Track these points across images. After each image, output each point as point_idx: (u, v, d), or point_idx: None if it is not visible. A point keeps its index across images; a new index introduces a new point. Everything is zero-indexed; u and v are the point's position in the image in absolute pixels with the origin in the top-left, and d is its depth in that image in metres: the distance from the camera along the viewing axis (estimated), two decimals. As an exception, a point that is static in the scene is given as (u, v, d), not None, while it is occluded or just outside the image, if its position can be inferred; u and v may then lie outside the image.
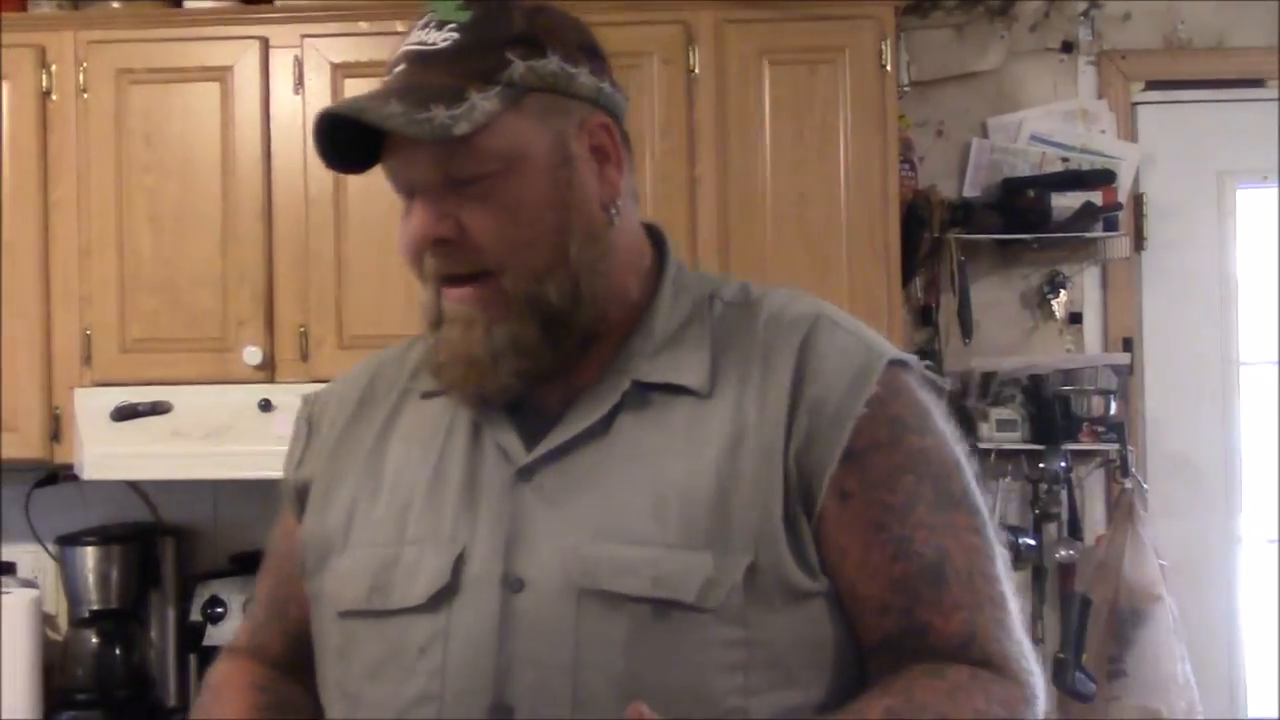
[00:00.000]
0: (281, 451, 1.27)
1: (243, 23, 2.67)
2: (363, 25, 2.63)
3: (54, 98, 2.67)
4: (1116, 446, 2.93)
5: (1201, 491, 3.05)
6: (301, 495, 1.21)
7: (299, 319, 2.64)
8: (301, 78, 2.63)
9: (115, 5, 2.71)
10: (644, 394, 1.10)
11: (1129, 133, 3.03)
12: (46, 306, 2.68)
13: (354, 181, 2.61)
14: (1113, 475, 2.99)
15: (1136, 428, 3.02)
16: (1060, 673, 2.84)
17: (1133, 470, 2.93)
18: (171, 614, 2.93)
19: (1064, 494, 2.92)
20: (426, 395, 1.17)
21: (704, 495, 1.05)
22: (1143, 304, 3.06)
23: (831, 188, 2.61)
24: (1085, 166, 2.96)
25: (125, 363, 2.66)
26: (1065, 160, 2.97)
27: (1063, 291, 3.00)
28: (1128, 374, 3.00)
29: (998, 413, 2.92)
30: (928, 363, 1.18)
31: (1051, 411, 2.90)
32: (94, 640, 2.82)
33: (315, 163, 2.67)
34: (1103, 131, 3.01)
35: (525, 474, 1.09)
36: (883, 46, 2.60)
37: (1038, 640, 2.92)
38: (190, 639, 2.88)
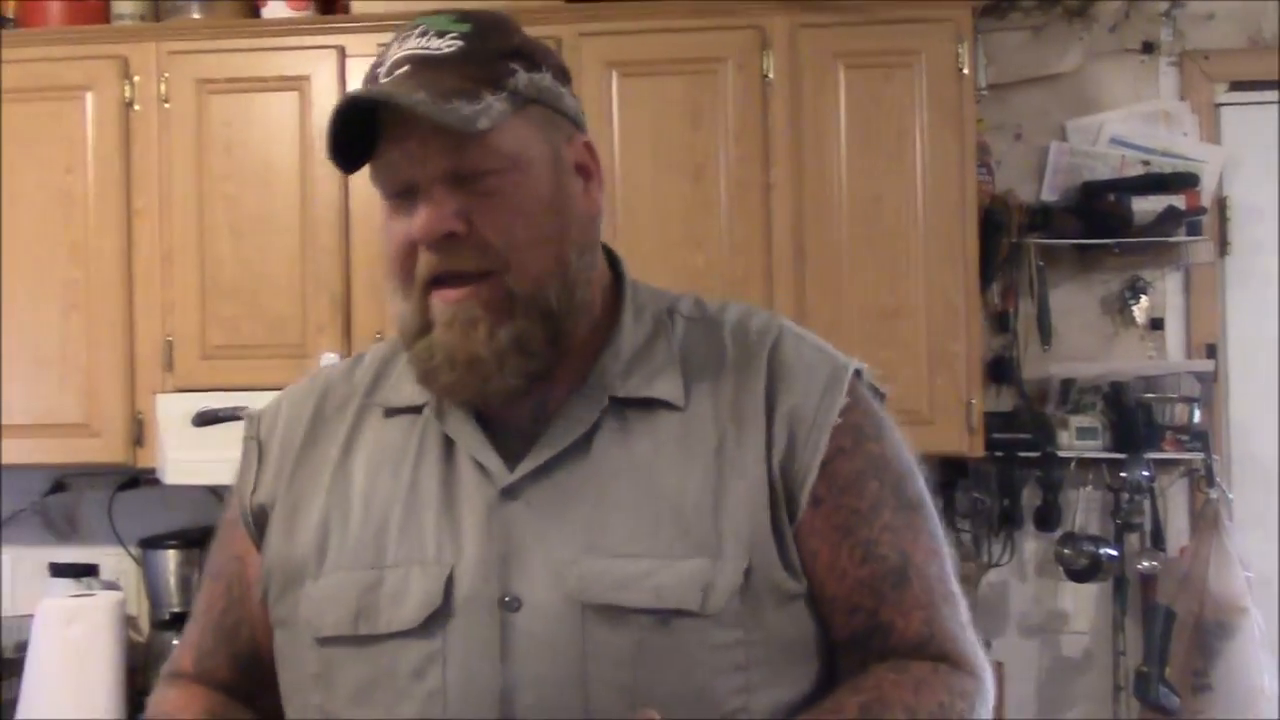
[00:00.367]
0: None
1: (320, 32, 2.70)
2: (438, 34, 2.65)
3: (136, 108, 2.72)
4: (1200, 455, 2.87)
5: (1288, 501, 2.98)
6: (259, 519, 1.18)
7: (376, 324, 2.66)
8: (378, 86, 2.65)
9: (196, 16, 2.75)
10: (621, 409, 1.12)
11: (1212, 135, 2.97)
12: (129, 313, 2.72)
13: (429, 189, 2.63)
14: (1196, 485, 2.93)
15: (1221, 436, 2.95)
16: (1143, 686, 2.79)
17: (1217, 479, 2.87)
18: (250, 616, 2.96)
19: (1146, 504, 2.86)
20: (391, 413, 1.17)
21: (694, 505, 1.08)
22: (1226, 309, 2.99)
23: (908, 192, 2.58)
24: (1167, 170, 2.90)
25: (205, 369, 2.70)
26: (1146, 163, 2.92)
27: (1144, 297, 2.94)
28: (1211, 381, 2.93)
29: (1077, 420, 2.88)
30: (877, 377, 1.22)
31: (1133, 419, 2.84)
32: (175, 642, 2.85)
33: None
34: (1185, 134, 2.95)
35: (510, 492, 1.09)
36: (959, 49, 2.57)
37: (1120, 653, 2.87)
38: (268, 641, 2.91)
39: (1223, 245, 2.97)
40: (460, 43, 1.09)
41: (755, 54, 2.59)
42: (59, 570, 3.02)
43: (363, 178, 2.72)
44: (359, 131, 1.08)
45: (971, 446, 2.60)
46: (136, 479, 3.05)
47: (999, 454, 2.84)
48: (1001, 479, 2.89)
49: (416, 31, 1.10)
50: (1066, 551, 2.84)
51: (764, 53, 2.59)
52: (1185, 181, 2.83)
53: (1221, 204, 2.97)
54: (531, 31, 1.15)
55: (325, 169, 2.66)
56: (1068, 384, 2.94)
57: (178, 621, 2.88)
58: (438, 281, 1.08)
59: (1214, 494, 2.86)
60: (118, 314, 2.72)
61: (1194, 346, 2.97)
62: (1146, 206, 2.81)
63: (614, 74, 2.59)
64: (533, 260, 1.09)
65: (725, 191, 2.58)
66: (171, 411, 2.65)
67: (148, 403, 2.70)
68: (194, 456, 2.64)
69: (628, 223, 2.54)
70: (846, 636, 1.11)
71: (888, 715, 1.05)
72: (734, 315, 1.19)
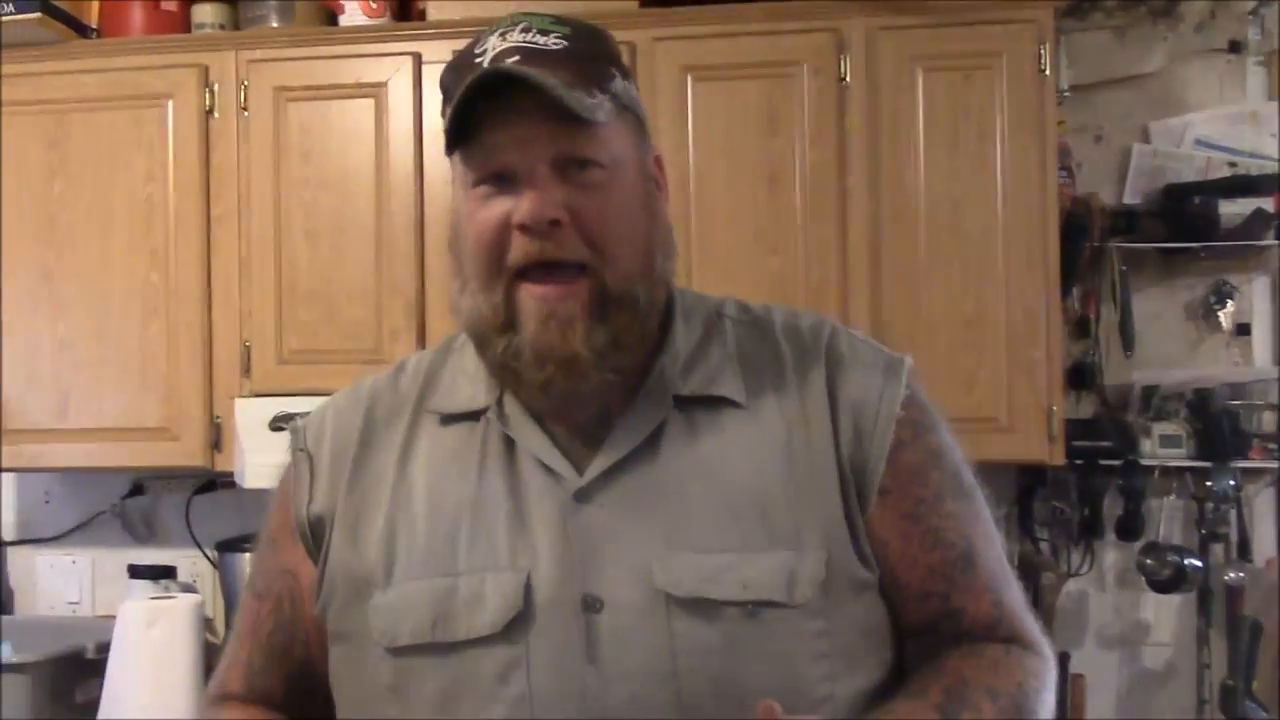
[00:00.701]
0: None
1: (396, 39, 2.71)
2: (513, 39, 2.65)
3: (216, 115, 2.74)
4: (1289, 464, 2.80)
5: (1381, 512, 2.90)
6: (316, 531, 1.18)
7: (450, 329, 2.64)
8: (453, 93, 2.66)
9: (274, 25, 2.77)
10: (685, 409, 1.13)
11: (1302, 136, 2.90)
12: (208, 318, 2.75)
13: (504, 194, 2.63)
14: (1284, 494, 2.86)
15: (1310, 444, 2.87)
16: (1229, 701, 2.73)
17: (1307, 488, 2.80)
18: (325, 619, 2.99)
19: (1232, 513, 2.79)
20: (448, 420, 1.17)
21: (770, 498, 1.10)
22: (1317, 315, 2.92)
23: (987, 197, 2.54)
24: (1254, 171, 2.83)
25: (283, 374, 2.72)
26: (1232, 165, 2.85)
27: (1230, 302, 2.88)
28: (1300, 388, 2.86)
29: (1161, 428, 2.82)
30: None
31: (1219, 427, 2.78)
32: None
33: (467, 176, 2.72)
34: (1272, 135, 2.88)
35: (583, 495, 1.10)
36: (1041, 50, 2.52)
37: (1204, 666, 2.81)
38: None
39: (1312, 249, 2.90)
40: (565, 42, 1.10)
41: (832, 57, 2.56)
42: (137, 572, 3.06)
43: (435, 183, 2.72)
44: (463, 112, 1.08)
45: (1052, 455, 2.55)
46: (213, 482, 3.09)
47: (1079, 462, 2.79)
48: (1082, 488, 2.84)
49: (519, 27, 1.11)
50: (1149, 562, 2.78)
51: (841, 56, 2.56)
52: (1275, 184, 2.77)
53: (1312, 207, 2.89)
54: (605, 37, 1.15)
55: (401, 175, 2.68)
56: (1150, 391, 2.88)
57: (254, 624, 2.92)
58: (524, 273, 1.08)
59: (1303, 504, 2.79)
60: (197, 319, 2.75)
61: (1282, 352, 2.90)
62: (1234, 209, 2.75)
63: (689, 79, 2.57)
64: (626, 257, 1.10)
65: (801, 197, 2.56)
66: (249, 416, 2.67)
67: (226, 407, 2.73)
68: (272, 460, 2.62)
69: (702, 229, 2.52)
70: (919, 622, 1.14)
71: (971, 697, 1.08)
72: (781, 316, 1.22)
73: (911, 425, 1.15)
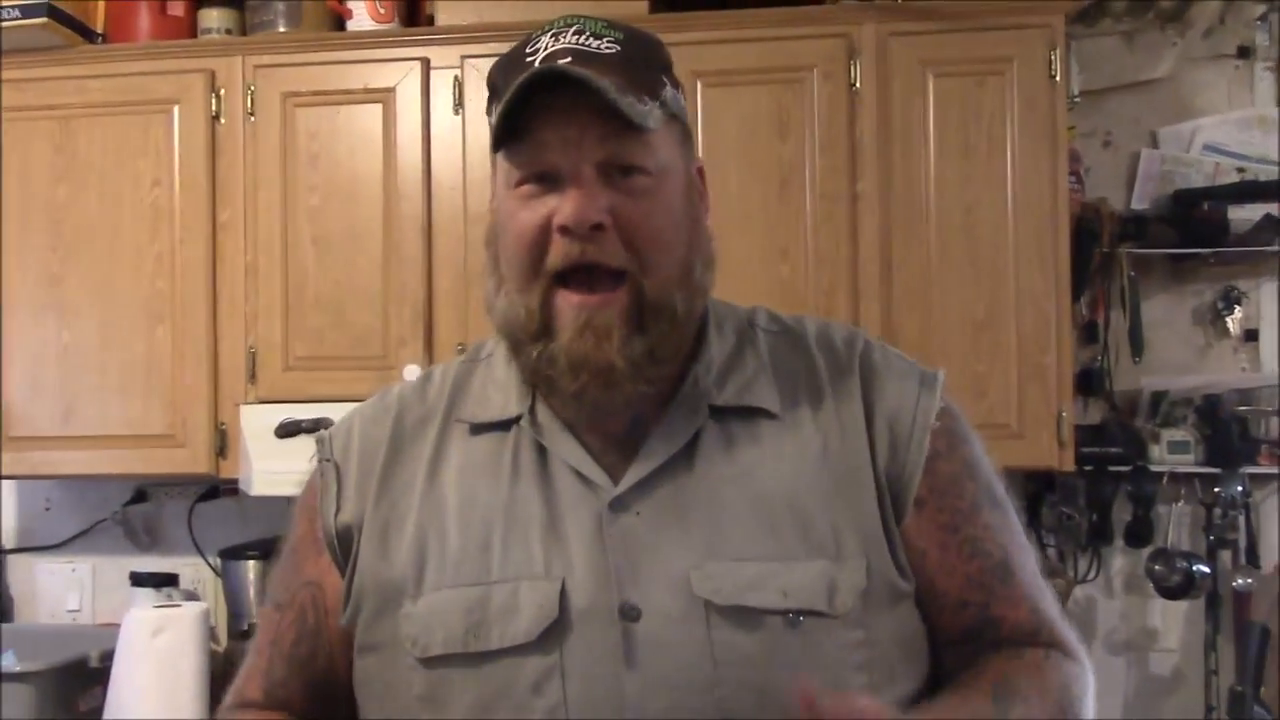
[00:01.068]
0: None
1: (404, 45, 2.70)
2: (521, 45, 2.64)
3: (222, 121, 2.73)
4: (1298, 470, 2.80)
5: (1388, 518, 2.90)
6: (344, 541, 1.17)
7: (458, 337, 2.65)
8: (461, 98, 2.65)
9: (281, 30, 2.76)
10: (720, 418, 1.13)
11: (1310, 141, 2.90)
12: (214, 324, 2.73)
13: (513, 200, 2.62)
14: (1293, 500, 2.86)
15: (1317, 450, 2.88)
16: (1237, 706, 2.72)
17: (1316, 494, 2.80)
18: (329, 627, 2.97)
19: (1241, 519, 2.79)
20: (478, 429, 1.16)
21: (808, 508, 1.09)
22: (1324, 320, 2.92)
23: (998, 202, 2.54)
24: (1262, 177, 2.83)
25: (289, 380, 2.71)
26: (1241, 171, 2.86)
27: (1238, 308, 2.88)
28: (1308, 394, 2.86)
29: (1169, 434, 2.82)
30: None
31: (1228, 433, 2.78)
32: (254, 653, 2.86)
33: (475, 181, 2.72)
34: (1281, 140, 2.88)
35: (619, 504, 1.09)
36: (1052, 56, 2.52)
37: (1212, 672, 2.80)
38: (348, 652, 2.92)
39: (1320, 254, 2.90)
40: (618, 47, 1.09)
41: (843, 63, 2.56)
42: (140, 579, 3.04)
43: (443, 190, 2.70)
44: (512, 109, 1.07)
45: (1061, 460, 2.54)
46: (216, 489, 3.07)
47: (1088, 468, 2.78)
48: (1090, 494, 2.83)
49: (572, 29, 1.10)
50: (1158, 568, 2.78)
51: (852, 61, 2.56)
52: (1283, 189, 2.77)
53: (1320, 212, 2.89)
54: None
55: (409, 181, 2.67)
56: (1159, 397, 2.88)
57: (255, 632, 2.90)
58: (563, 279, 1.08)
59: (1312, 510, 2.79)
60: (202, 325, 2.73)
61: (1290, 358, 2.90)
62: (1243, 215, 2.74)
63: (699, 84, 2.56)
64: (666, 265, 1.09)
65: (811, 202, 2.55)
66: (255, 423, 2.66)
67: (231, 414, 2.71)
68: (279, 467, 2.64)
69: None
70: (957, 632, 1.14)
71: (1022, 690, 1.08)
72: (814, 327, 1.22)
73: (947, 436, 1.15)
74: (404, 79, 2.67)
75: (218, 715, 1.24)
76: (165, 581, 3.05)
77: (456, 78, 2.66)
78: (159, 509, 3.18)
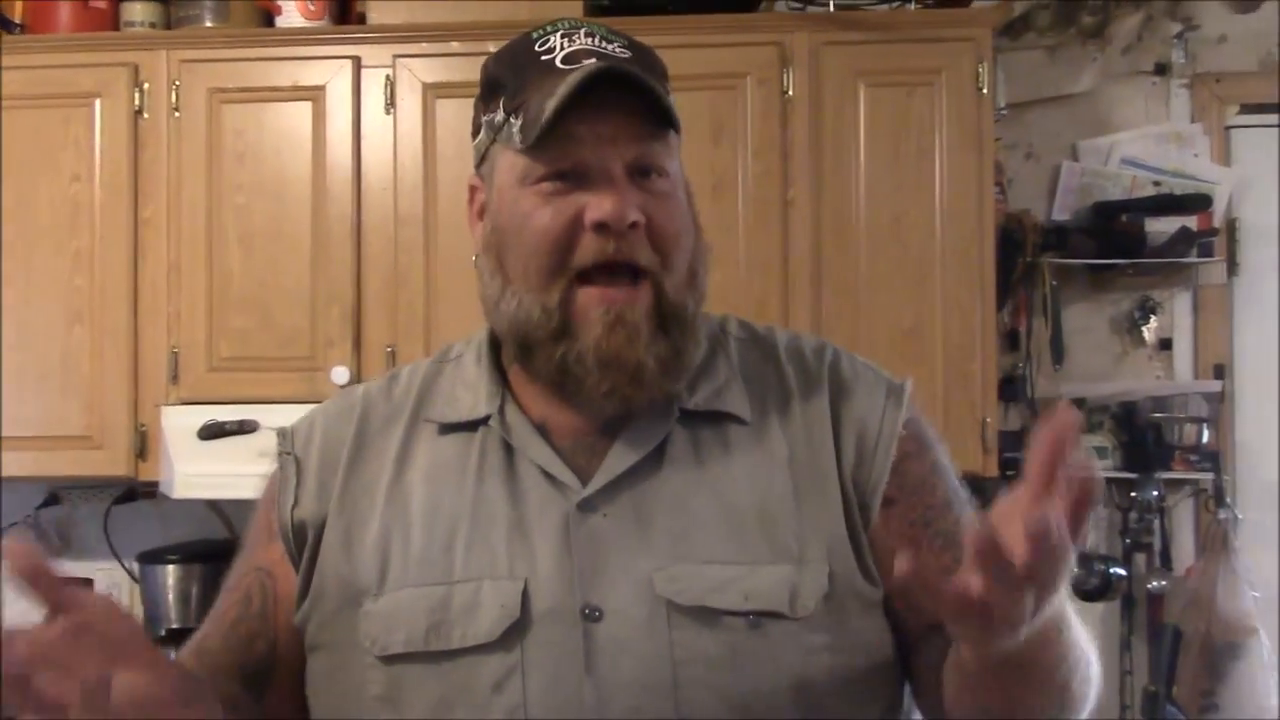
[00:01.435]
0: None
1: (335, 42, 2.67)
2: (454, 45, 2.63)
3: (146, 116, 2.67)
4: (1210, 475, 2.88)
5: (1295, 522, 3.00)
6: (299, 536, 1.16)
7: (387, 339, 2.63)
8: (393, 97, 2.63)
9: (208, 25, 2.71)
10: (689, 423, 1.13)
11: (1222, 157, 2.99)
12: (135, 323, 2.68)
13: (444, 201, 2.61)
14: (1204, 505, 2.94)
15: (1228, 456, 2.97)
16: (1151, 705, 2.79)
17: (1227, 499, 2.88)
18: (251, 633, 2.92)
19: (1156, 523, 2.87)
20: (446, 429, 1.15)
21: (773, 514, 1.09)
22: (1234, 330, 3.01)
23: (927, 211, 2.58)
24: (1178, 191, 2.92)
25: (213, 381, 2.66)
26: (1157, 184, 2.94)
27: (1154, 317, 2.96)
28: (1219, 401, 2.95)
29: (1088, 440, 2.89)
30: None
31: (1144, 439, 2.85)
32: (172, 658, 2.80)
33: (405, 182, 2.69)
34: (1195, 155, 2.97)
35: (588, 505, 1.09)
36: (980, 69, 2.57)
37: (1127, 672, 2.88)
38: (269, 658, 2.87)
39: (1231, 266, 2.99)
40: (629, 52, 1.10)
41: (776, 70, 2.59)
42: (53, 585, 2.96)
43: (373, 190, 2.66)
44: (550, 107, 1.05)
45: (985, 466, 2.59)
46: (133, 492, 3.01)
47: (1010, 473, 2.83)
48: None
49: (582, 31, 1.10)
50: (1078, 571, 2.84)
51: (785, 69, 2.59)
52: (1199, 203, 2.85)
53: (1231, 225, 2.99)
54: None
55: (338, 180, 2.63)
56: (1078, 403, 2.94)
57: (175, 637, 2.84)
58: (585, 276, 1.07)
59: (1223, 514, 2.87)
60: (123, 324, 2.67)
61: (1201, 367, 2.99)
62: (1160, 227, 2.82)
63: (633, 88, 2.57)
64: (682, 267, 1.10)
65: (744, 208, 2.57)
66: (178, 424, 2.61)
67: (152, 415, 2.65)
68: (202, 470, 2.59)
69: (646, 238, 2.52)
70: (936, 622, 1.11)
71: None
72: (784, 337, 1.22)
73: (915, 441, 1.16)
74: (334, 77, 2.64)
75: None
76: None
77: (388, 77, 2.63)
78: (72, 512, 3.10)
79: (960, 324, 2.57)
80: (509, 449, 1.13)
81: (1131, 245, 2.83)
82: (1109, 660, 2.92)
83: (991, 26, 2.61)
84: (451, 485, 1.12)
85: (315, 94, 2.64)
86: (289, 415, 2.50)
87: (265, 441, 2.59)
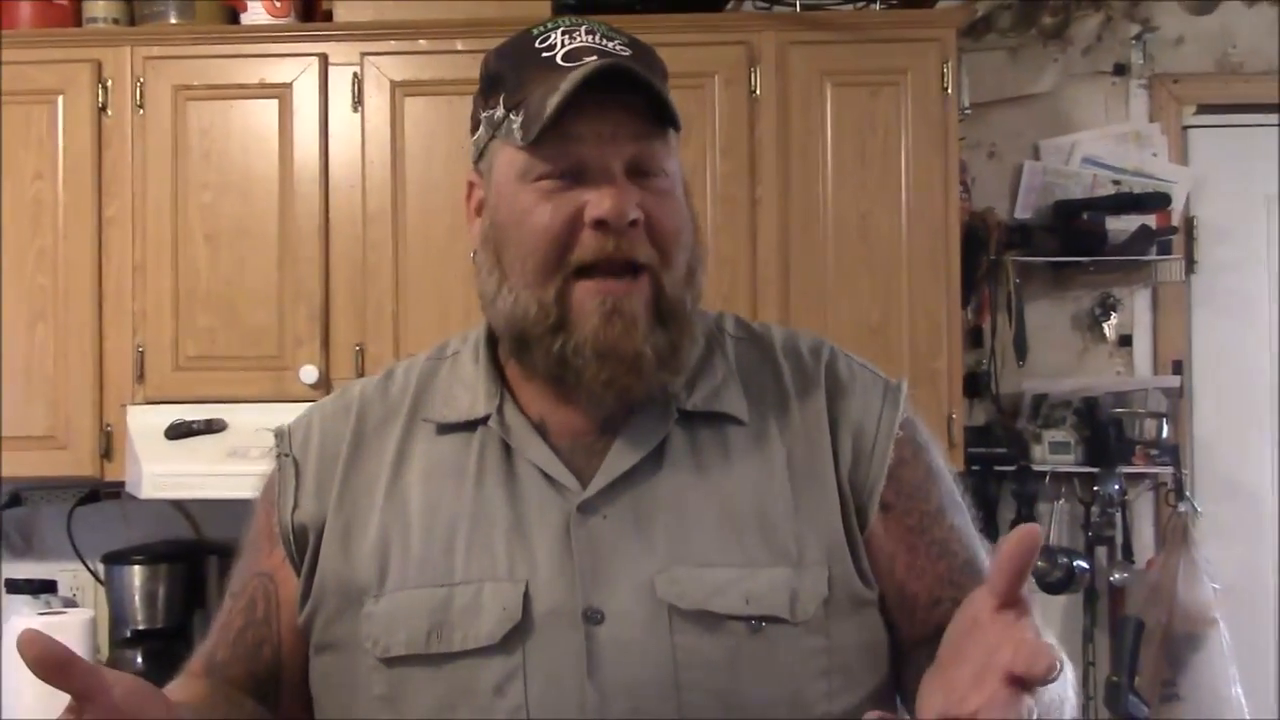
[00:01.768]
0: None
1: (302, 40, 2.66)
2: (422, 44, 2.62)
3: (109, 113, 2.65)
4: (1170, 469, 2.92)
5: (1252, 515, 3.05)
6: (300, 538, 1.16)
7: (356, 337, 2.62)
8: (361, 95, 2.62)
9: (173, 21, 2.69)
10: (688, 423, 1.13)
11: (1180, 156, 3.04)
12: (99, 322, 2.65)
13: (412, 199, 2.61)
14: (1164, 498, 2.99)
15: (1186, 450, 3.01)
16: (1113, 696, 2.82)
17: (1186, 493, 2.93)
18: (217, 634, 2.90)
19: (1118, 516, 2.91)
20: (444, 429, 1.15)
21: (772, 515, 1.09)
22: (1192, 327, 3.06)
23: (893, 209, 2.60)
24: (1137, 189, 2.96)
25: (179, 380, 2.64)
26: (1117, 183, 2.98)
27: (1114, 314, 3.00)
28: (1178, 397, 3.00)
29: (1051, 435, 2.93)
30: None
31: (1105, 434, 2.89)
32: (139, 660, 2.78)
33: (373, 180, 2.68)
34: (1154, 155, 3.01)
35: (588, 507, 1.09)
36: (944, 69, 2.60)
37: (1089, 663, 2.92)
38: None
39: (1189, 264, 3.04)
40: (630, 50, 1.10)
41: (743, 70, 2.60)
42: (15, 586, 2.94)
43: (341, 188, 2.65)
44: (549, 103, 1.05)
45: (951, 460, 2.61)
46: (96, 493, 2.98)
47: (975, 468, 2.87)
48: (977, 492, 2.92)
49: (583, 28, 1.10)
50: (1041, 564, 2.87)
51: (752, 69, 2.60)
52: (1158, 201, 2.90)
53: (1189, 224, 3.04)
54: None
55: (305, 178, 2.62)
56: (1040, 399, 2.98)
57: (140, 639, 2.82)
58: (584, 271, 1.07)
59: (1183, 507, 2.92)
60: (87, 323, 2.65)
61: (1161, 363, 3.03)
62: (1120, 225, 2.87)
63: (601, 87, 2.58)
64: (681, 265, 1.10)
65: (712, 207, 2.58)
66: (144, 424, 2.59)
67: (117, 415, 2.63)
68: (170, 469, 2.57)
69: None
70: (932, 628, 1.11)
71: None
72: (780, 335, 1.22)
73: (911, 444, 1.16)
74: (301, 75, 2.63)
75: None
76: (43, 588, 2.95)
77: (356, 75, 2.62)
78: (34, 512, 3.07)
79: (926, 321, 2.60)
80: (508, 449, 1.13)
81: (1092, 243, 2.87)
82: (1072, 652, 2.97)
83: (955, 27, 2.63)
84: (450, 486, 1.12)
85: (282, 91, 2.63)
86: (257, 414, 2.55)
87: (234, 441, 2.60)
